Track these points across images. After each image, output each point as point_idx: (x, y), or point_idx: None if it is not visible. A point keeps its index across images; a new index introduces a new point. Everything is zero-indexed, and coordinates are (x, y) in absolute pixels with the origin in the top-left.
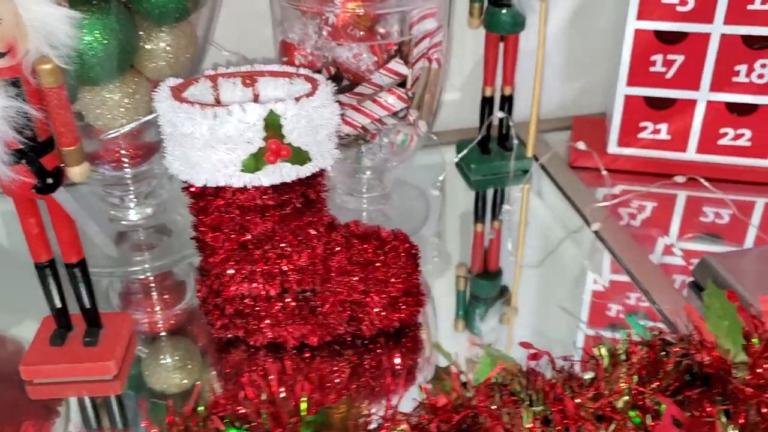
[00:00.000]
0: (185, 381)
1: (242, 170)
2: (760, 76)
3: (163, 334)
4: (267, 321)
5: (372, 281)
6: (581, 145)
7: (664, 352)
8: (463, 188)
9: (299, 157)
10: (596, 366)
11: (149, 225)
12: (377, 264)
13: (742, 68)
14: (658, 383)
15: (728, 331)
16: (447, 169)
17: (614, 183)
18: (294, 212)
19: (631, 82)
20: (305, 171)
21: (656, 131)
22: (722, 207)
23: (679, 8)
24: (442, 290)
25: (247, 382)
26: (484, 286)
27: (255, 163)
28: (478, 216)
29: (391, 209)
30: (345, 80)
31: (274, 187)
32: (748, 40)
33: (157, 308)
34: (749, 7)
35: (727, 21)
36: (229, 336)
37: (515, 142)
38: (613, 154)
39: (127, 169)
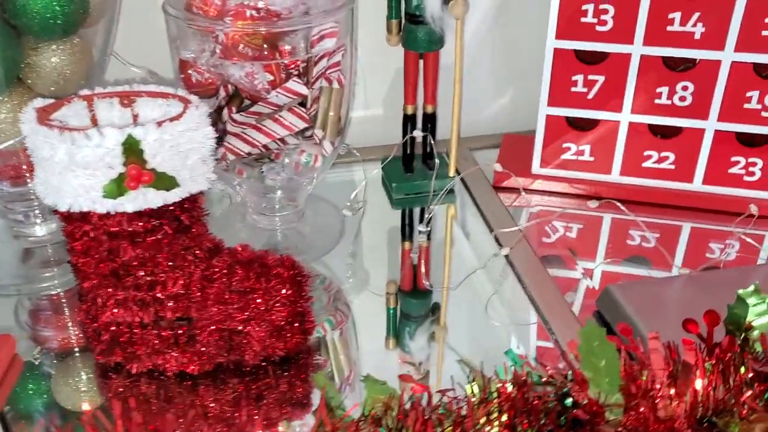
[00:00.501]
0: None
1: (104, 196)
2: (682, 98)
3: (74, 351)
4: (144, 348)
5: (252, 310)
6: (498, 167)
7: (539, 391)
8: (387, 205)
9: (164, 182)
10: (467, 403)
11: (56, 240)
12: (259, 291)
13: (664, 90)
14: (526, 425)
15: (604, 370)
16: (372, 185)
17: (538, 204)
18: (167, 238)
19: (552, 102)
20: (173, 197)
21: (580, 152)
22: (648, 231)
23: (598, 28)
24: (360, 309)
25: (86, 419)
26: (412, 304)
27: (117, 188)
28: (403, 234)
29: (306, 228)
30: (246, 99)
31: (142, 213)
32: (670, 62)
33: (69, 325)
34: (669, 28)
35: (647, 42)
36: (111, 361)
37: (437, 161)
38: (537, 174)
39: (30, 184)
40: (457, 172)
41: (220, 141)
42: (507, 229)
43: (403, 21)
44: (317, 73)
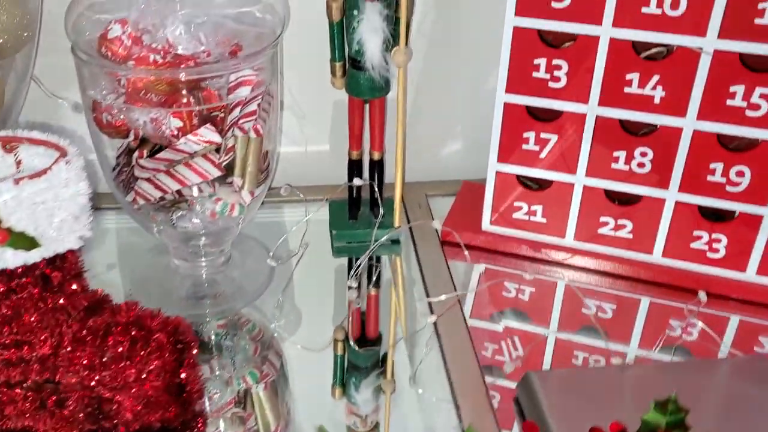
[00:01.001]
0: None
1: None
2: (641, 165)
3: None
4: (11, 409)
5: (123, 378)
6: (437, 224)
7: None
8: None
9: (23, 242)
10: None
11: None
12: (133, 358)
13: (622, 154)
14: None
15: None
16: (318, 225)
17: (487, 262)
18: (34, 297)
19: (502, 159)
20: (35, 256)
21: (532, 212)
22: (605, 301)
23: (551, 84)
24: (291, 357)
25: None
26: (360, 355)
27: None
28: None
29: (234, 272)
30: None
31: (3, 272)
32: (628, 125)
33: None
34: (626, 89)
35: (603, 102)
36: None
37: (381, 211)
38: (487, 231)
39: None
40: (408, 220)
41: (130, 184)
42: (438, 297)
43: (347, 64)
44: (230, 121)
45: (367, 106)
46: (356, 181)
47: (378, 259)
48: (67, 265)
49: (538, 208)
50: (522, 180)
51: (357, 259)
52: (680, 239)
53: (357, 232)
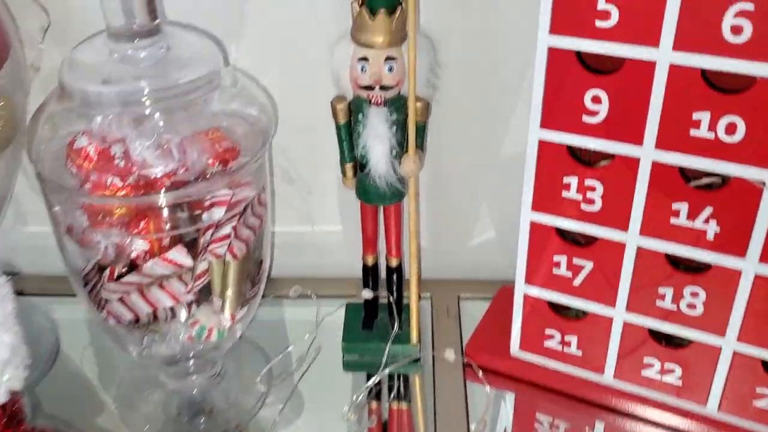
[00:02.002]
0: None
1: None
2: (691, 306)
3: None
4: None
5: None
6: (449, 355)
7: None
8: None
9: None
10: None
11: None
12: None
13: (668, 291)
14: None
15: None
16: (329, 329)
17: (515, 390)
18: None
19: (530, 280)
20: None
21: (566, 343)
22: None
23: (584, 207)
24: None
25: None
26: None
27: None
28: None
29: (231, 384)
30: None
31: None
32: (676, 260)
33: None
34: (673, 220)
35: (645, 232)
36: None
37: (396, 325)
38: (516, 357)
39: None
40: (432, 332)
41: (102, 303)
42: None
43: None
44: (203, 245)
45: (381, 208)
46: (365, 293)
47: (396, 376)
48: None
49: (573, 339)
50: (554, 306)
51: (369, 376)
52: (740, 394)
53: (369, 346)
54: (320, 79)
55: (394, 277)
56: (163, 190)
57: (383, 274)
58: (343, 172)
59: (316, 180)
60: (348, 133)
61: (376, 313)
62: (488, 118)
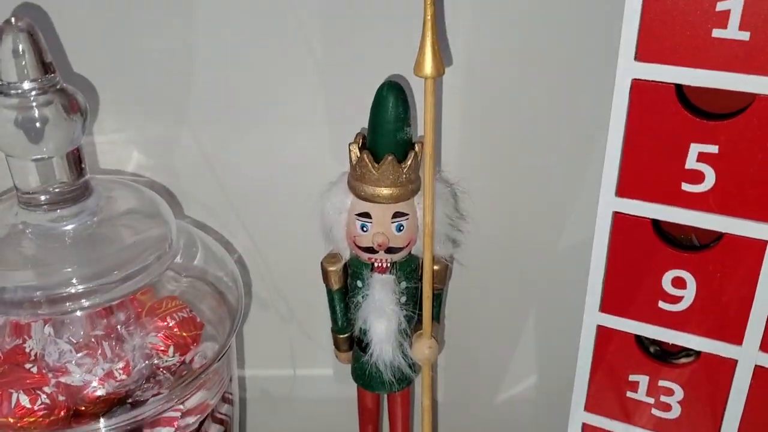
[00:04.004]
0: None
1: None
2: None
3: None
4: None
5: None
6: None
7: None
8: None
9: None
10: None
11: None
12: None
13: None
14: None
15: None
16: None
17: None
18: None
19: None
20: None
21: None
22: None
23: (656, 412)
24: None
25: None
26: None
27: None
28: None
29: None
30: None
31: None
32: None
33: None
34: None
35: None
36: None
37: None
38: None
39: None
40: None
41: None
42: None
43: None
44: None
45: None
46: None
47: None
48: None
49: None
50: None
51: None
52: None
53: None
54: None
55: None
56: (101, 414)
57: None
58: (336, 345)
59: (302, 303)
60: (343, 301)
61: None
62: (524, 283)
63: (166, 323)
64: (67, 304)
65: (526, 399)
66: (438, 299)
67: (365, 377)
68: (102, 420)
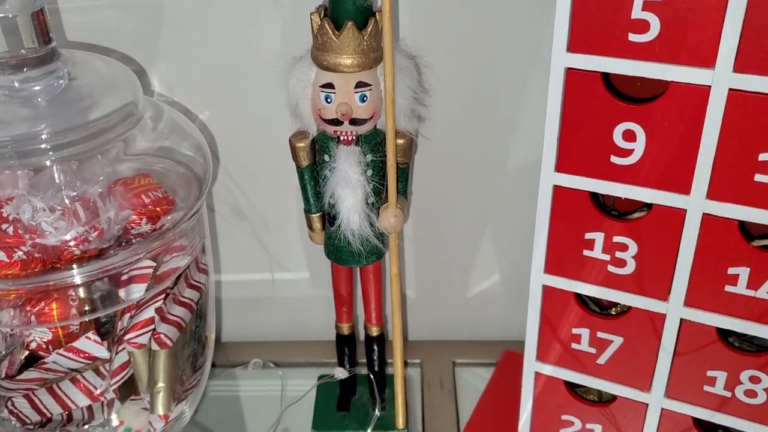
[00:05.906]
0: None
1: None
2: (750, 393)
3: None
4: None
5: None
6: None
7: None
8: None
9: None
10: None
11: None
12: None
13: (720, 375)
14: None
15: None
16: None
17: None
18: None
19: (543, 357)
20: None
21: (587, 431)
22: None
23: (612, 269)
24: None
25: None
26: None
27: None
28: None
29: None
30: None
31: None
32: (728, 334)
33: None
34: (728, 288)
35: (690, 302)
36: None
37: (378, 408)
38: None
39: None
40: (423, 412)
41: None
42: None
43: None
44: (121, 330)
45: (357, 269)
46: (339, 373)
47: None
48: None
49: (596, 428)
50: (573, 387)
51: None
52: None
53: None
54: (273, 110)
55: (375, 348)
56: (74, 264)
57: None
58: (309, 225)
59: (275, 213)
60: (312, 178)
61: (354, 390)
62: (487, 155)
63: (141, 200)
64: (37, 157)
65: (494, 292)
66: (404, 173)
67: (337, 252)
68: (75, 267)
